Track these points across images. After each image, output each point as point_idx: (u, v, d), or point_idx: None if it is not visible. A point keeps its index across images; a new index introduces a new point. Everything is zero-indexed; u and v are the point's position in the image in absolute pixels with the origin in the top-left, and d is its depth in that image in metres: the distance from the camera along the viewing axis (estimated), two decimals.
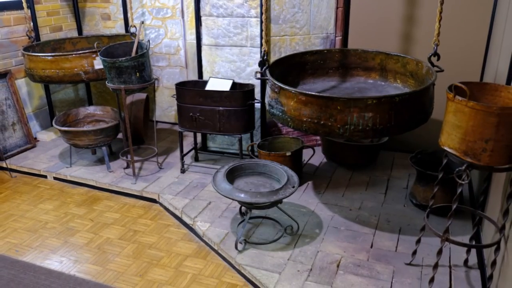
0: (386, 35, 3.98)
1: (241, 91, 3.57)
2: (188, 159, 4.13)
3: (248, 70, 3.95)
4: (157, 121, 5.07)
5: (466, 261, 2.65)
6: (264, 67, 3.13)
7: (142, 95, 4.54)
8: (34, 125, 4.78)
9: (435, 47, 2.91)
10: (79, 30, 5.17)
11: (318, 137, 4.32)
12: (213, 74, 4.05)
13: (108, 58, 3.46)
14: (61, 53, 4.12)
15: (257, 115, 3.90)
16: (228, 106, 3.54)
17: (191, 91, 3.64)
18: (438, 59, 2.91)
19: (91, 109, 4.38)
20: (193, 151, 4.17)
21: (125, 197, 3.72)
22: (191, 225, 3.21)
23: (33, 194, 3.80)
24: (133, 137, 4.28)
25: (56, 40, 4.72)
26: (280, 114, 2.83)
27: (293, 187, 2.82)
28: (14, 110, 4.43)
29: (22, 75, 4.57)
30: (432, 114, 2.84)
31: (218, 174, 2.94)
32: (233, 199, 2.79)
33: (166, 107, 5.17)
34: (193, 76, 4.77)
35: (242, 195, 2.75)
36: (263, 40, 3.25)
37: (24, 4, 4.35)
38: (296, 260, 2.73)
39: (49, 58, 3.99)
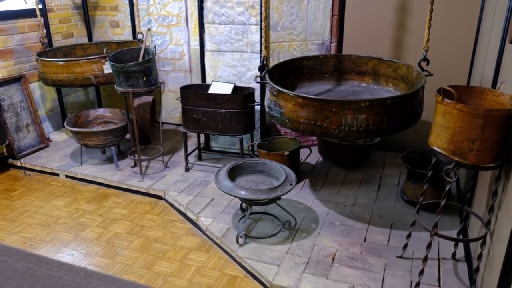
0: (379, 42, 3.98)
1: (242, 94, 3.57)
2: (192, 158, 4.13)
3: (248, 75, 3.95)
4: (162, 123, 5.07)
5: (454, 254, 2.65)
6: (264, 72, 3.13)
7: (149, 98, 4.54)
8: (47, 126, 4.78)
9: (425, 53, 2.90)
10: (89, 36, 5.17)
11: (314, 138, 4.32)
12: (216, 78, 4.04)
13: (116, 63, 3.46)
14: (72, 59, 4.12)
15: (257, 116, 3.90)
16: (230, 108, 3.54)
17: (195, 94, 3.64)
18: (428, 64, 2.91)
19: (100, 111, 4.38)
20: (196, 151, 4.17)
21: (132, 194, 3.72)
22: (194, 221, 3.21)
23: (46, 191, 3.80)
24: (140, 138, 4.28)
25: (67, 46, 4.72)
26: (279, 115, 2.83)
27: (291, 184, 2.82)
28: (28, 112, 4.43)
29: (36, 79, 4.57)
30: (421, 115, 2.84)
31: (220, 173, 2.94)
32: (234, 196, 2.78)
33: (171, 109, 5.17)
34: (197, 80, 4.77)
35: (243, 192, 2.75)
36: (263, 46, 3.25)
37: (38, 12, 4.35)
38: (294, 254, 2.73)
39: (61, 63, 3.99)
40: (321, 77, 3.61)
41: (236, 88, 3.72)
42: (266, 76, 3.06)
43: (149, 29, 4.60)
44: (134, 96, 3.57)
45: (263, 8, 3.28)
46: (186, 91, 3.70)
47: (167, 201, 3.56)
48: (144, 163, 4.07)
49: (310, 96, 2.65)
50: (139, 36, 4.56)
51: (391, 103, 2.55)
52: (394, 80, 3.33)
